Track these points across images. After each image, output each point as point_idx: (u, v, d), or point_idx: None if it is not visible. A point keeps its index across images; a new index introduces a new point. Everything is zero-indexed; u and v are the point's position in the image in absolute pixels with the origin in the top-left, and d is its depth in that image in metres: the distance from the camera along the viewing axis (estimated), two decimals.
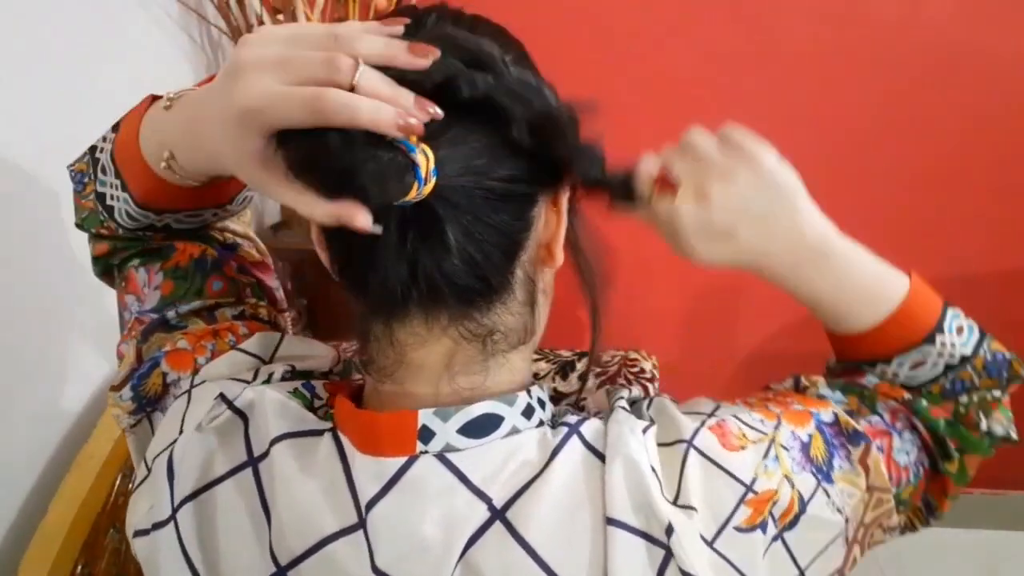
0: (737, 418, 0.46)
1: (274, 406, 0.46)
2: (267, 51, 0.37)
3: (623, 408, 0.46)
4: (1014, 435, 0.52)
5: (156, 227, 0.55)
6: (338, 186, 0.37)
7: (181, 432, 0.47)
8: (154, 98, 0.51)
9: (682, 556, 0.39)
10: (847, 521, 0.46)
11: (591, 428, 0.44)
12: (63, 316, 0.84)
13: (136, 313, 0.55)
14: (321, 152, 0.36)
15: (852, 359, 0.55)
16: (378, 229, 0.38)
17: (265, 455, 0.45)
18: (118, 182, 0.52)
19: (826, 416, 0.49)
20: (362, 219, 0.37)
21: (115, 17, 0.96)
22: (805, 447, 0.46)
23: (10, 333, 0.74)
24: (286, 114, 0.36)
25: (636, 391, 0.51)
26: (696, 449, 0.43)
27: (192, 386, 0.50)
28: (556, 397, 0.50)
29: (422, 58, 0.37)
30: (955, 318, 0.52)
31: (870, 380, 0.53)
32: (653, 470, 0.42)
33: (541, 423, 0.45)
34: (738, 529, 0.42)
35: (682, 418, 0.45)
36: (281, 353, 0.53)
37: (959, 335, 0.52)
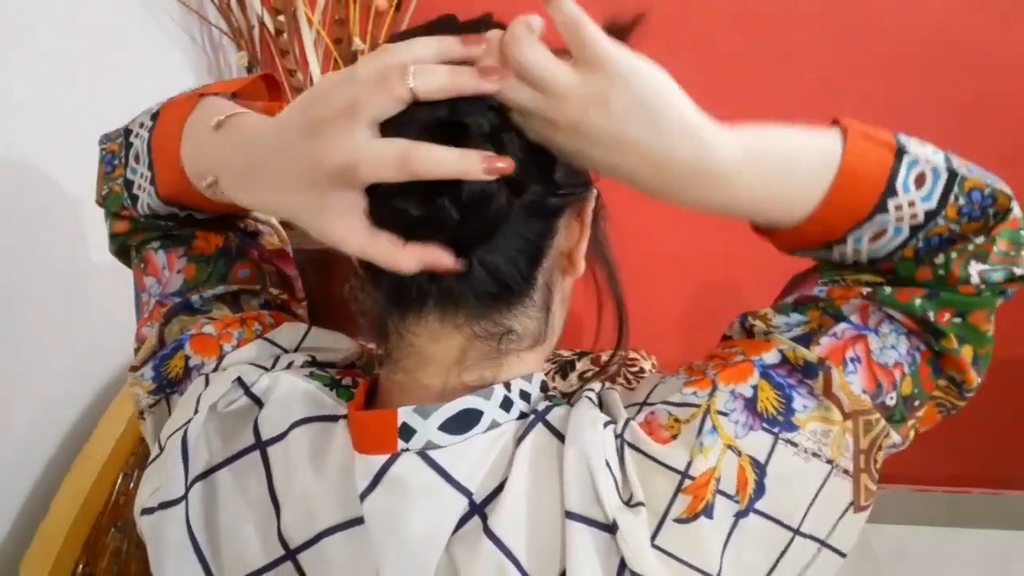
0: (667, 404, 0.44)
1: (292, 391, 0.47)
2: (334, 100, 0.38)
3: (589, 399, 0.45)
4: (1019, 271, 0.43)
5: (178, 216, 0.55)
6: (431, 235, 0.40)
7: (196, 412, 0.47)
8: (200, 95, 0.52)
9: (629, 555, 0.39)
10: (832, 460, 0.42)
11: (556, 413, 0.44)
12: (65, 315, 0.84)
13: (157, 296, 0.56)
14: (439, 213, 0.39)
15: (795, 249, 0.48)
16: (464, 266, 0.41)
17: (279, 438, 0.45)
18: (149, 174, 0.52)
19: (771, 358, 0.44)
20: (449, 261, 0.40)
21: (115, 18, 0.96)
22: (750, 403, 0.43)
23: (11, 332, 0.74)
24: (378, 173, 0.38)
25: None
26: (628, 444, 0.42)
27: (213, 371, 0.50)
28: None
29: (475, 45, 0.38)
30: (912, 167, 0.43)
31: (820, 290, 0.47)
32: (608, 466, 0.41)
33: (523, 415, 0.45)
34: (678, 521, 0.40)
35: (621, 411, 0.44)
36: (307, 344, 0.53)
37: (919, 188, 0.42)
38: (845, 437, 0.43)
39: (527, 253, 0.43)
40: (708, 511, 0.40)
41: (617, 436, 0.42)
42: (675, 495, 0.40)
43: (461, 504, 0.41)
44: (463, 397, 0.43)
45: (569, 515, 0.40)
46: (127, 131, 0.56)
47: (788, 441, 0.42)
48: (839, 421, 0.43)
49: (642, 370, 1.13)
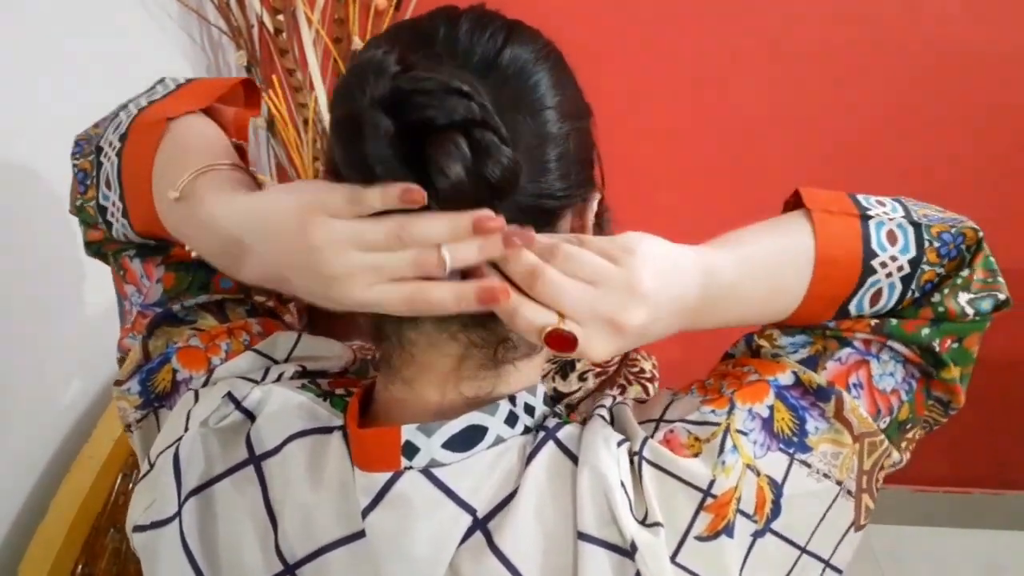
0: (686, 422, 0.44)
1: (285, 404, 0.46)
2: (351, 258, 0.38)
3: (601, 416, 0.45)
4: (1002, 296, 0.46)
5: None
6: None
7: (187, 429, 0.46)
8: (168, 118, 0.50)
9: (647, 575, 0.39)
10: (840, 482, 0.44)
11: (567, 432, 0.44)
12: (63, 315, 0.84)
13: (139, 307, 0.54)
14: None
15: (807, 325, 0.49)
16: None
17: (274, 452, 0.45)
18: (121, 205, 0.51)
19: (785, 379, 0.45)
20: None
21: (115, 17, 0.96)
22: (767, 423, 0.43)
23: (9, 332, 0.74)
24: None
25: (634, 391, 0.50)
26: (648, 461, 0.42)
27: (203, 386, 0.49)
28: (556, 397, 0.50)
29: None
30: (880, 227, 0.45)
31: (830, 320, 0.48)
32: (623, 485, 0.41)
33: (527, 429, 0.44)
34: (699, 539, 0.40)
35: (636, 428, 0.44)
36: (297, 353, 0.52)
37: (893, 245, 0.45)
38: (853, 459, 0.44)
39: None
40: (729, 530, 0.41)
41: (635, 454, 0.42)
42: (697, 513, 0.41)
43: (465, 521, 0.41)
44: (468, 413, 0.43)
45: (582, 536, 0.40)
46: (98, 148, 0.54)
47: (803, 462, 0.43)
48: (849, 444, 0.44)
49: (642, 370, 1.12)
